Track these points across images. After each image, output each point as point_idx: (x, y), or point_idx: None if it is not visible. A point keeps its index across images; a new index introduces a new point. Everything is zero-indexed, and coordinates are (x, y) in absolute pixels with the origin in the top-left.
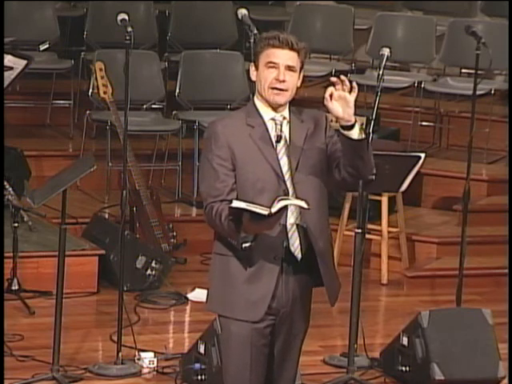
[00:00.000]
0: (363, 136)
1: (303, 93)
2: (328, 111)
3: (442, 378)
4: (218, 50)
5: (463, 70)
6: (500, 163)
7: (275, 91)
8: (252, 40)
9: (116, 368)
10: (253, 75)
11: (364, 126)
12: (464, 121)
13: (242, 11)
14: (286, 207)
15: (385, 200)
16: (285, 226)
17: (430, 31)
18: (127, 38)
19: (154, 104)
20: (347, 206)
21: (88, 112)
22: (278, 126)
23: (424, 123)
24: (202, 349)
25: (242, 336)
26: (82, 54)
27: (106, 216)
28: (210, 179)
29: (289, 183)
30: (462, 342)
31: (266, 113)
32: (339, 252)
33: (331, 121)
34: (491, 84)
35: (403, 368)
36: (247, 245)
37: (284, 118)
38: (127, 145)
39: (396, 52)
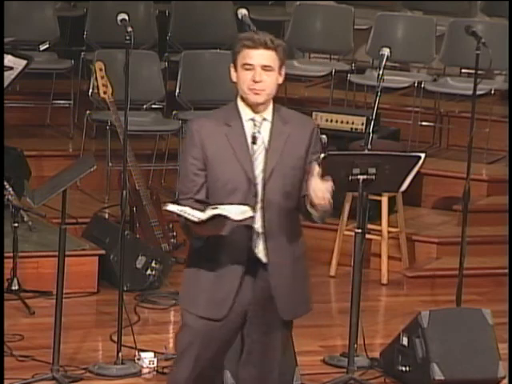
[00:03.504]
0: (320, 220)
1: (303, 93)
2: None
3: (442, 378)
4: (218, 50)
5: (463, 70)
6: (500, 163)
7: (253, 91)
8: None
9: (116, 368)
10: (233, 76)
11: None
12: (464, 121)
13: (242, 11)
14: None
15: (385, 200)
16: (253, 229)
17: (430, 31)
18: (127, 38)
19: (154, 104)
20: (347, 206)
21: (88, 112)
22: (257, 128)
23: (424, 123)
24: None
25: (200, 329)
26: (82, 54)
27: (106, 216)
28: (182, 177)
29: (259, 187)
30: (462, 342)
31: (246, 113)
32: (339, 252)
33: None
34: (491, 84)
35: (403, 368)
36: (198, 245)
37: (264, 119)
38: (127, 145)
39: (396, 52)
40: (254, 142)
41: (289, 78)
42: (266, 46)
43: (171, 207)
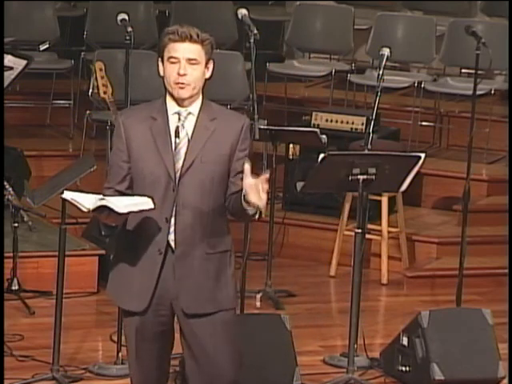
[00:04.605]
0: (257, 216)
1: (303, 93)
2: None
3: (442, 378)
4: (218, 50)
5: (463, 70)
6: (500, 163)
7: (178, 85)
8: (252, 40)
9: (116, 368)
10: (160, 70)
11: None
12: (464, 121)
13: (242, 11)
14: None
15: (385, 200)
16: (169, 220)
17: (430, 31)
18: (127, 38)
19: None
20: (347, 206)
21: (88, 112)
22: (181, 121)
23: (424, 123)
24: None
25: (131, 324)
26: (82, 54)
27: None
28: (109, 167)
29: (177, 181)
30: (462, 342)
31: (172, 107)
32: (339, 252)
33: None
34: (491, 84)
35: (403, 368)
36: (105, 233)
37: (189, 114)
38: None
39: (396, 52)
40: (176, 136)
41: (289, 78)
42: (191, 40)
43: (65, 195)
